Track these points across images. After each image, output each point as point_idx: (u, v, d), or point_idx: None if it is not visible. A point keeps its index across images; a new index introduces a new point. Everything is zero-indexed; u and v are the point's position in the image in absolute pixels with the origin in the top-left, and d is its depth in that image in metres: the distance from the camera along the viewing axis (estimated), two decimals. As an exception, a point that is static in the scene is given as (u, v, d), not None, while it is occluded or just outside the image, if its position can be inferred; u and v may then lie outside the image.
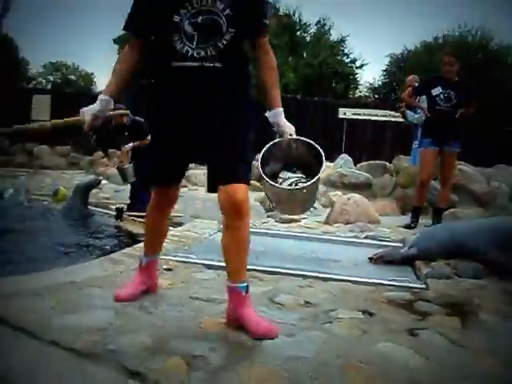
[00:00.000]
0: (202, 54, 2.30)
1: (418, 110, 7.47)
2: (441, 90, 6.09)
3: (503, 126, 12.09)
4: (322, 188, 7.86)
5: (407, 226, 6.03)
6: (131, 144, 6.87)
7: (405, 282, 3.44)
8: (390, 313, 2.84)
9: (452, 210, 6.88)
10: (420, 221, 6.26)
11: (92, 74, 36.52)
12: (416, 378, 2.07)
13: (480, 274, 3.74)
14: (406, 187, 7.81)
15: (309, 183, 2.60)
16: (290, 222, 5.88)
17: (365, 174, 8.53)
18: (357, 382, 2.01)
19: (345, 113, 14.36)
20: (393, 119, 12.77)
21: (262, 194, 7.76)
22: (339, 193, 7.51)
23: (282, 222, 5.93)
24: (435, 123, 6.10)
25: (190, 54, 2.31)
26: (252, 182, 9.88)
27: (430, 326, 2.66)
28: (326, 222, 6.07)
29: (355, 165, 9.97)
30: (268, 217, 6.45)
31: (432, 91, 6.16)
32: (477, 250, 3.93)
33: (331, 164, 9.79)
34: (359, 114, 14.22)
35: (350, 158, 10.63)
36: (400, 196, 7.84)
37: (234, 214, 2.38)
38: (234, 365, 2.07)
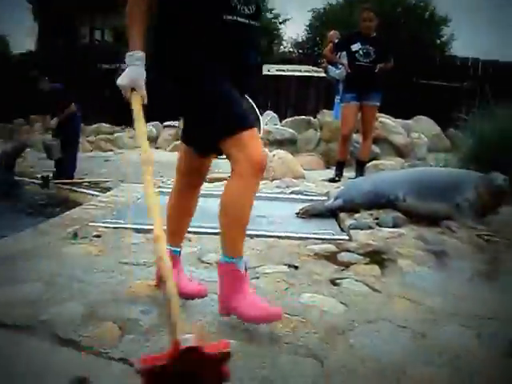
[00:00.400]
0: (247, 11, 2.18)
1: (340, 66, 7.59)
2: (360, 46, 6.22)
3: (419, 79, 12.42)
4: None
5: (332, 180, 6.21)
6: (56, 119, 6.74)
7: (329, 235, 3.59)
8: (314, 265, 2.97)
9: (374, 161, 7.11)
10: (344, 174, 6.45)
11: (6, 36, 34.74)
12: (336, 323, 2.20)
13: (399, 222, 3.93)
14: (329, 141, 7.99)
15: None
16: (215, 181, 5.92)
17: (289, 130, 8.64)
18: (283, 333, 2.12)
19: (269, 69, 14.38)
20: (316, 74, 12.90)
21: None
22: (265, 149, 7.58)
23: (207, 182, 5.96)
24: (355, 78, 6.25)
25: (238, 8, 2.15)
26: (177, 142, 9.74)
27: (351, 275, 2.81)
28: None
29: (280, 121, 10.08)
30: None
31: (351, 47, 6.28)
32: (397, 199, 4.13)
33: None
34: (283, 70, 14.27)
35: (275, 114, 10.72)
36: (324, 150, 8.03)
37: None
38: (166, 325, 2.14)
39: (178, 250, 2.51)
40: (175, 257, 2.48)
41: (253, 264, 2.94)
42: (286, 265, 2.93)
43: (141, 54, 2.06)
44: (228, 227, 2.18)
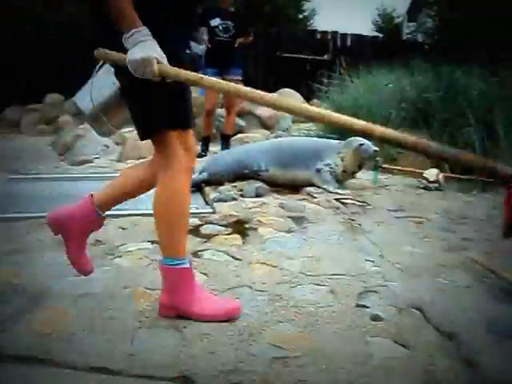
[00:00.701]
0: None
1: (200, 41, 7.58)
2: (219, 21, 6.26)
3: (282, 52, 12.70)
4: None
5: (198, 155, 6.21)
6: None
7: (193, 209, 3.61)
8: (178, 239, 2.98)
9: (240, 135, 7.21)
10: (210, 148, 6.50)
11: None
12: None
13: (262, 192, 4.05)
14: (195, 117, 7.96)
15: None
16: (82, 164, 5.78)
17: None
18: (143, 307, 2.13)
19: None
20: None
21: (53, 138, 7.48)
22: (130, 128, 7.44)
23: (74, 165, 5.80)
24: (216, 53, 6.27)
25: None
26: (41, 126, 9.24)
27: (213, 246, 2.87)
28: (119, 160, 6.05)
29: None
30: (61, 161, 6.24)
31: (211, 22, 6.30)
32: (260, 169, 4.26)
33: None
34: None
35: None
36: (191, 126, 8.00)
37: None
38: (23, 313, 2.09)
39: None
40: (100, 221, 2.32)
41: (116, 243, 2.92)
42: (149, 241, 2.93)
43: (147, 30, 1.88)
44: (172, 227, 2.07)
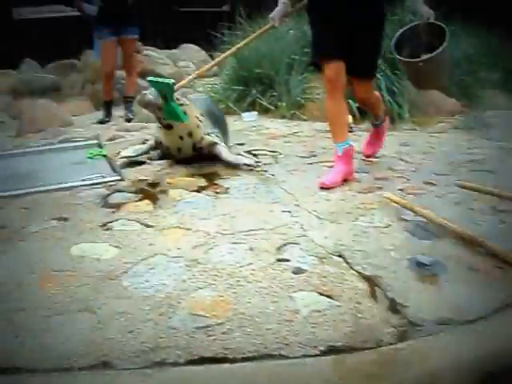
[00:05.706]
0: None
1: (94, 1, 7.13)
2: None
3: (178, 7, 12.26)
4: (6, 99, 7.32)
5: (101, 122, 5.94)
6: None
7: (99, 179, 3.40)
8: (85, 213, 2.79)
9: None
10: (114, 113, 6.20)
11: None
12: (109, 269, 2.11)
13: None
14: (95, 82, 7.59)
15: (432, 55, 3.32)
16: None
17: (51, 76, 8.09)
18: (52, 293, 1.97)
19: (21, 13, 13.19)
20: (72, 14, 12.15)
21: None
22: (27, 101, 6.99)
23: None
24: (110, 12, 5.90)
25: None
26: None
27: (123, 216, 2.70)
28: (18, 135, 5.66)
29: (43, 67, 9.36)
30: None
31: (101, -19, 5.95)
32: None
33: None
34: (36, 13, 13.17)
35: (35, 62, 9.94)
36: (92, 92, 7.62)
37: None
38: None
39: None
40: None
41: (18, 225, 2.68)
42: (54, 219, 2.73)
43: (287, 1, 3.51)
44: None
